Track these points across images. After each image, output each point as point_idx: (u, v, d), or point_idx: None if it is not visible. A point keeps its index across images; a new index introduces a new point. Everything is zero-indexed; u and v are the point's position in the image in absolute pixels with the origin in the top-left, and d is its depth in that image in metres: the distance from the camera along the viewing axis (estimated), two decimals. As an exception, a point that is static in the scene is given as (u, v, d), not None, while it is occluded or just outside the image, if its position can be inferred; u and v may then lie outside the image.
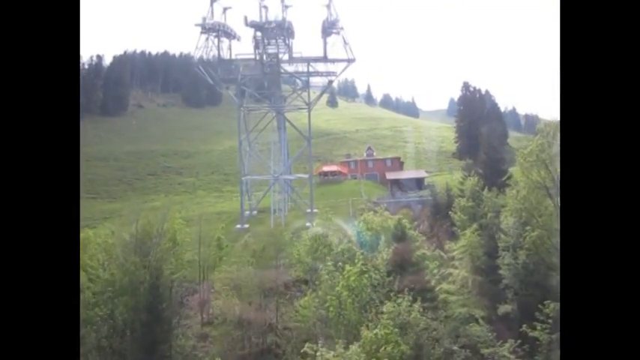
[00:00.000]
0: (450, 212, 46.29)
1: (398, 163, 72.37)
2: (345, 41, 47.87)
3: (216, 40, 49.23)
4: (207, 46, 48.76)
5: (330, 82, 52.06)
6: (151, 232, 29.44)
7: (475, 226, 29.34)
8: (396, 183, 65.26)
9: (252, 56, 48.78)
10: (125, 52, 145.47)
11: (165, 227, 30.27)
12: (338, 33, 48.12)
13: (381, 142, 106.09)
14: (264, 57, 47.43)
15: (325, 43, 48.03)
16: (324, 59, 48.60)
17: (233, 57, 49.69)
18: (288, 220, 50.31)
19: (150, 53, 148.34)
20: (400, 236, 24.31)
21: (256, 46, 47.22)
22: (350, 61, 48.19)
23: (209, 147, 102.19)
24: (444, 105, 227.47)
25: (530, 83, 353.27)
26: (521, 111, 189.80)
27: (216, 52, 48.66)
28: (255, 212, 51.86)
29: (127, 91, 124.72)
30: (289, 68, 51.65)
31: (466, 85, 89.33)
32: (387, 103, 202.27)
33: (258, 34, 46.97)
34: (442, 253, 34.10)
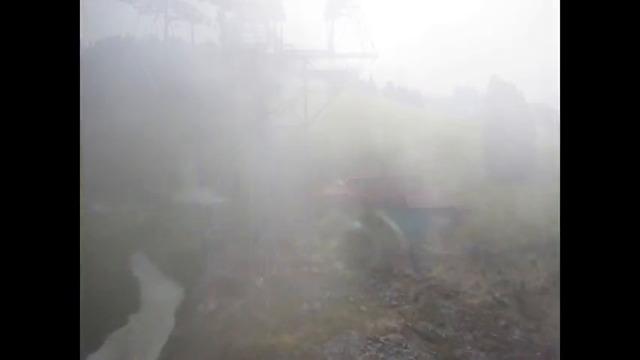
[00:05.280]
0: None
1: (419, 184, 54.21)
2: (359, 26, 29.38)
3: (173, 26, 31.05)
4: (154, 33, 30.54)
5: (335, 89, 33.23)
6: None
7: None
8: (420, 212, 47.62)
9: (222, 48, 30.29)
10: (107, 38, 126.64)
11: None
12: (349, 15, 29.53)
13: (388, 144, 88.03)
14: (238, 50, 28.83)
15: (331, 30, 29.48)
16: (329, 54, 30.11)
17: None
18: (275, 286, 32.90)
19: (134, 38, 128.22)
20: None
21: (224, 34, 28.61)
22: (367, 56, 29.76)
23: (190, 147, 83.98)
24: (447, 93, 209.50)
25: (538, 70, 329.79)
26: (530, 100, 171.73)
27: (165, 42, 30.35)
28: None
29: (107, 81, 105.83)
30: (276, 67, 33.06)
31: (494, 80, 70.71)
32: (389, 91, 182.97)
33: (228, 14, 28.49)
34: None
